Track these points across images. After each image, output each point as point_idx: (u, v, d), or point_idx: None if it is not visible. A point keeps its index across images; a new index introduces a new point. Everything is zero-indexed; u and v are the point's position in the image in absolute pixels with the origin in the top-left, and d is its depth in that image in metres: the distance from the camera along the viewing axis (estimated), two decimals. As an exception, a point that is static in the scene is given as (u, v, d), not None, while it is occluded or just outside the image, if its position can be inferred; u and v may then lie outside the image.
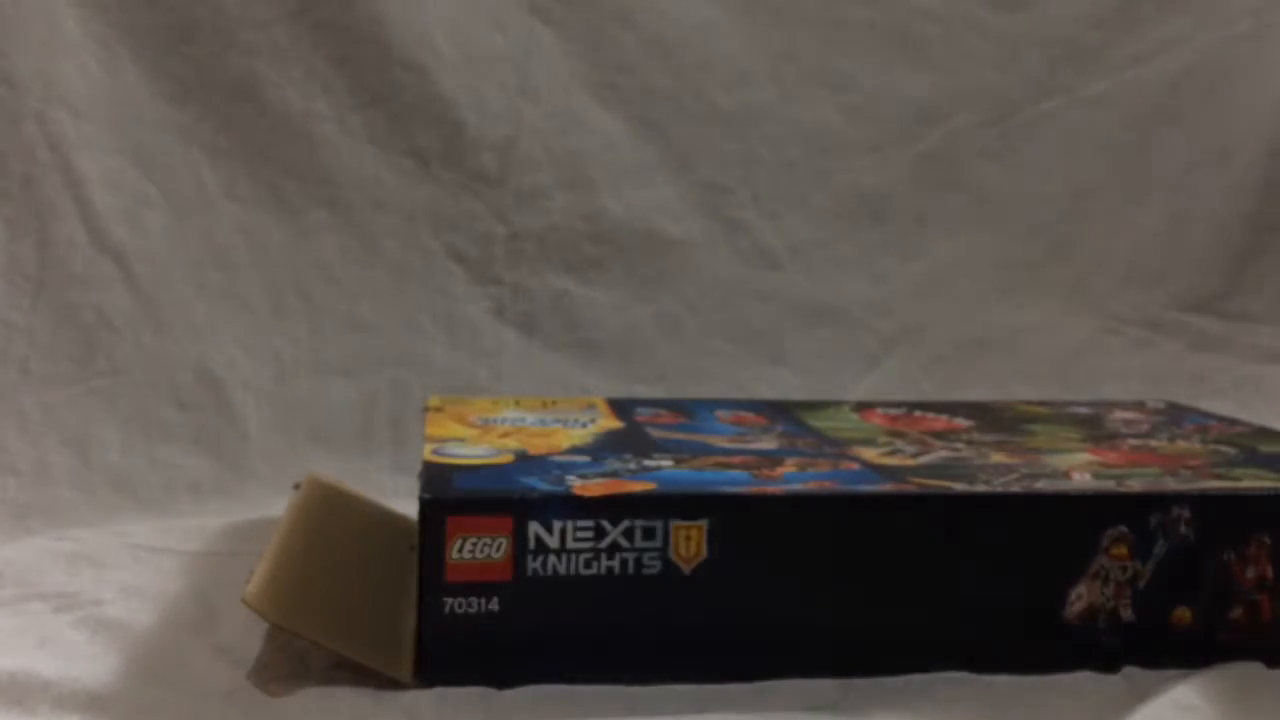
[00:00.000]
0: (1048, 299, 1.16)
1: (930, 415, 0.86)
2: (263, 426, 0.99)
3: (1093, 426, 0.84)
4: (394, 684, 0.61)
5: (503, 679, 0.61)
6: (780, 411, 0.86)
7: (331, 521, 0.77)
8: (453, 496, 0.62)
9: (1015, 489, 0.67)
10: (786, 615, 0.63)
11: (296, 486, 0.80)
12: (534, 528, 0.61)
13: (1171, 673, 0.64)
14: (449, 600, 0.61)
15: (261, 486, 0.94)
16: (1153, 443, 0.80)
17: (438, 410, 0.83)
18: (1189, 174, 1.18)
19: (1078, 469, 0.71)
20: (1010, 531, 0.65)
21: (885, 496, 0.65)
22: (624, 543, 0.62)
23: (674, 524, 0.62)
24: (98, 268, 0.99)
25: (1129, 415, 0.88)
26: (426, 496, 0.61)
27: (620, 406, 0.86)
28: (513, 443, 0.73)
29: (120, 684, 0.61)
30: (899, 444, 0.77)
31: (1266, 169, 1.17)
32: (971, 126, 1.17)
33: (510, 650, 0.61)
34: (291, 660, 0.63)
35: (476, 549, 0.61)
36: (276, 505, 0.83)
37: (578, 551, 0.62)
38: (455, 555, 0.60)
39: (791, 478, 0.67)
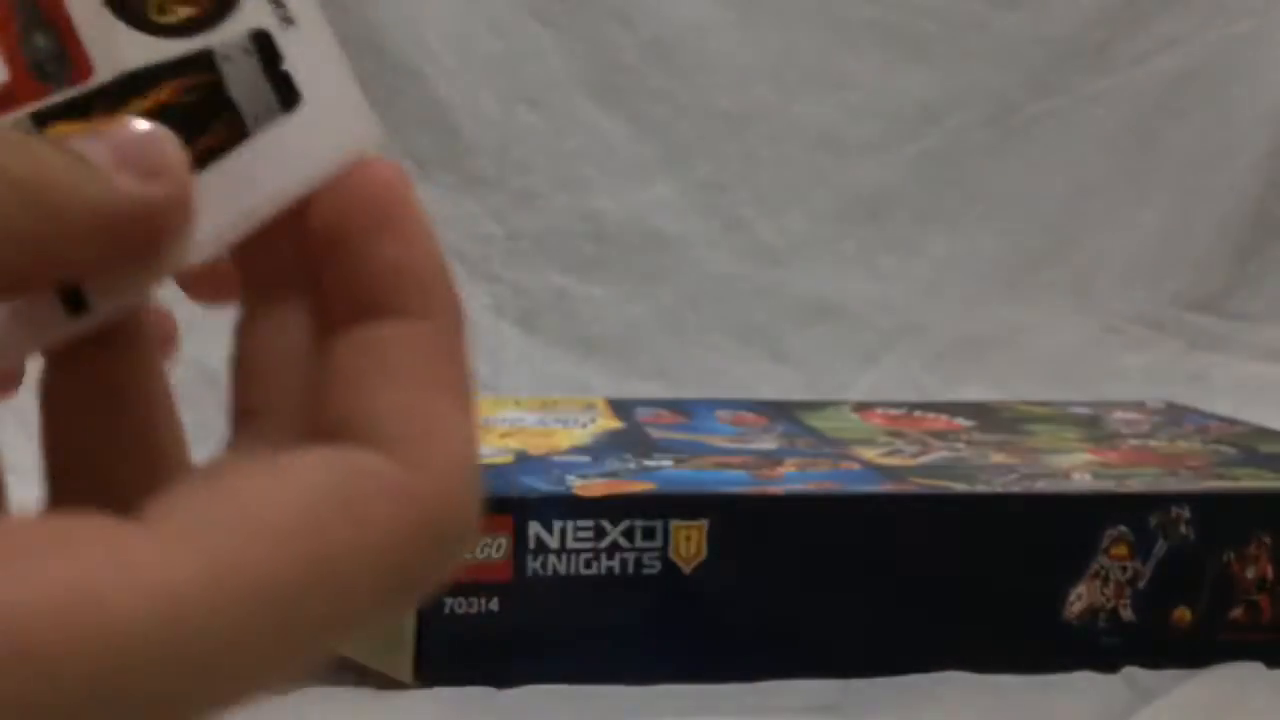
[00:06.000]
0: (1048, 298, 1.16)
1: (930, 415, 0.86)
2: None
3: (1093, 426, 0.84)
4: (394, 684, 0.61)
5: (503, 679, 0.61)
6: (780, 411, 0.86)
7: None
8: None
9: (1015, 489, 0.67)
10: (786, 615, 0.63)
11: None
12: (534, 528, 0.61)
13: (1171, 673, 0.64)
14: (449, 600, 0.60)
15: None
16: (1153, 443, 0.80)
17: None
18: (1190, 173, 1.18)
19: (1078, 469, 0.71)
20: (1010, 531, 0.65)
21: (885, 496, 0.65)
22: (624, 543, 0.62)
23: (674, 524, 0.62)
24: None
25: (1129, 415, 0.88)
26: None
27: (620, 407, 0.86)
28: (513, 443, 0.73)
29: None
30: (899, 444, 0.77)
31: (1267, 168, 1.17)
32: (972, 125, 1.17)
33: (510, 650, 0.61)
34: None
35: (476, 549, 0.61)
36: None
37: (578, 551, 0.61)
38: (455, 555, 0.60)
39: (791, 478, 0.67)
